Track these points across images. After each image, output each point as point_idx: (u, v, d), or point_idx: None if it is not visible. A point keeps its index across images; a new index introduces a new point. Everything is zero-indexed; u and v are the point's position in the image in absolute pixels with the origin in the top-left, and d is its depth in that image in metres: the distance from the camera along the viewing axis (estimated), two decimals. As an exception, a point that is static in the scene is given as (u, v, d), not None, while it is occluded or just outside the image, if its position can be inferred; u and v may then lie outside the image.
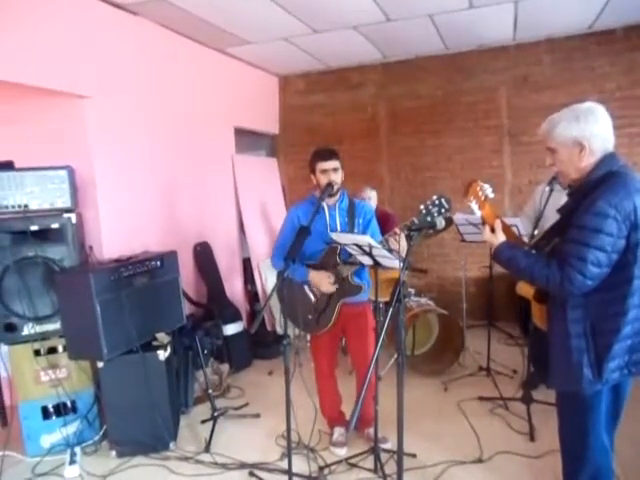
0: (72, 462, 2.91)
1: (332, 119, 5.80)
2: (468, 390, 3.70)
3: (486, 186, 2.35)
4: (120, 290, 2.90)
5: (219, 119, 4.88)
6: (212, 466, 2.87)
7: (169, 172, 4.15)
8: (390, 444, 2.93)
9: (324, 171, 2.82)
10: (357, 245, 2.45)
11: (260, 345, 4.58)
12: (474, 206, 2.18)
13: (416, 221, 2.52)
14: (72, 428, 3.10)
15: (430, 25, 4.29)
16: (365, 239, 2.38)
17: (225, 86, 4.95)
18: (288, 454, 2.43)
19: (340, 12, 3.88)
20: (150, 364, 3.00)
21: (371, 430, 3.08)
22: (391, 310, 2.08)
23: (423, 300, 4.29)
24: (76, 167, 3.15)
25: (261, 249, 5.22)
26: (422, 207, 2.52)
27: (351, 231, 2.86)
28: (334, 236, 2.63)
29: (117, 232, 3.57)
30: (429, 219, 2.48)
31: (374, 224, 2.98)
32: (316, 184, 2.91)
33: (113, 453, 2.99)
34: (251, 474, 2.76)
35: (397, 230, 2.63)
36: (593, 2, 3.99)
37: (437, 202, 2.48)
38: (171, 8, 3.62)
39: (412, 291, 4.38)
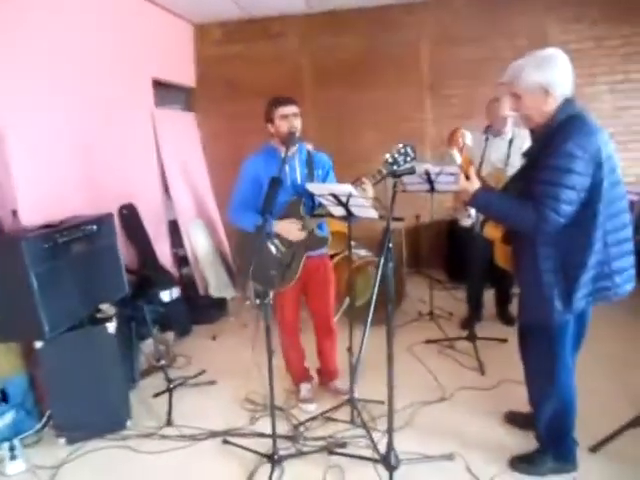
0: (13, 457, 2.55)
1: (252, 71, 5.50)
2: (414, 335, 3.85)
3: (467, 133, 2.40)
4: (57, 259, 2.55)
5: (136, 69, 4.41)
6: (179, 439, 2.69)
7: (86, 128, 3.69)
8: (357, 393, 2.96)
9: (284, 116, 2.66)
10: (333, 195, 2.36)
11: (198, 310, 4.36)
12: (456, 154, 2.21)
13: (383, 170, 2.51)
14: (6, 420, 2.72)
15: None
16: (346, 188, 2.29)
17: (140, 33, 4.48)
18: (272, 415, 2.34)
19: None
20: (98, 338, 2.71)
21: (337, 382, 3.10)
22: (382, 260, 2.07)
23: (362, 252, 4.34)
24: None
25: (187, 210, 4.91)
26: (388, 156, 2.51)
27: (310, 181, 2.75)
28: (310, 187, 2.51)
29: (35, 197, 3.11)
30: (395, 167, 2.48)
31: (332, 175, 2.90)
32: (274, 132, 2.74)
33: (61, 441, 2.67)
34: (225, 442, 2.64)
35: (364, 179, 2.57)
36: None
37: (403, 150, 2.48)
38: None
39: (353, 243, 4.38)
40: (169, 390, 3.06)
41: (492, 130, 3.62)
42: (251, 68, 5.51)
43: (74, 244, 2.70)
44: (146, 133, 4.53)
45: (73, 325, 2.65)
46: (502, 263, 2.47)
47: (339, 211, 2.48)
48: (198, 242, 4.82)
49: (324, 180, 2.82)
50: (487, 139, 3.54)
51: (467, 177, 2.07)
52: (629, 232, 1.98)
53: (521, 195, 2.00)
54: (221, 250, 5.21)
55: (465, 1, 5.01)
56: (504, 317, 4.08)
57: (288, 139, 2.59)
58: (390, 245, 2.06)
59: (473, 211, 3.56)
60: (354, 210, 2.42)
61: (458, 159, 2.15)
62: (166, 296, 3.91)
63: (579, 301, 1.95)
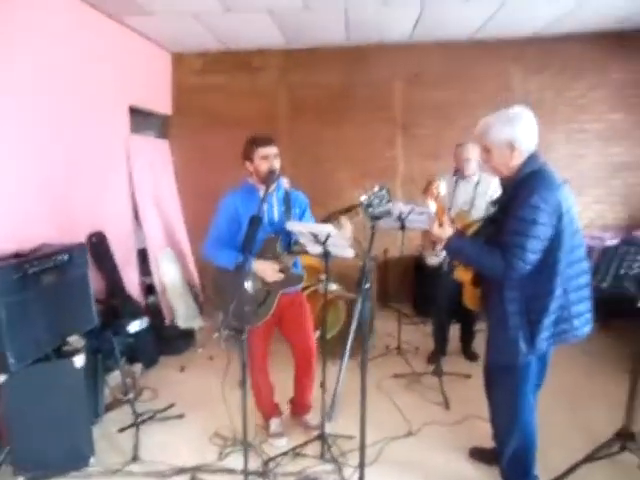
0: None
1: (230, 102, 5.57)
2: (382, 369, 3.91)
3: (442, 184, 2.54)
4: (26, 289, 2.50)
5: (113, 96, 4.39)
6: (146, 476, 2.64)
7: (59, 154, 3.63)
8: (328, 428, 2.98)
9: (265, 157, 2.72)
10: (312, 234, 2.43)
11: (165, 340, 4.30)
12: (431, 204, 2.34)
13: (359, 211, 2.61)
14: (-40, 456, 2.60)
15: (342, 17, 4.35)
16: (325, 228, 2.36)
17: (118, 60, 4.47)
18: (245, 451, 2.33)
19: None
20: (64, 372, 2.64)
21: (308, 417, 3.11)
22: (360, 298, 2.14)
23: (333, 286, 4.40)
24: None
25: (157, 239, 4.87)
26: (364, 198, 2.59)
27: (287, 220, 2.80)
28: (290, 225, 2.57)
29: (4, 223, 3.04)
30: (371, 209, 2.57)
31: (309, 214, 2.97)
32: (253, 171, 2.80)
33: (20, 479, 2.58)
34: (194, 478, 2.60)
35: (342, 220, 2.66)
36: (475, 16, 4.41)
37: (378, 193, 2.57)
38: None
39: (323, 277, 4.45)
40: (135, 424, 2.99)
41: (460, 173, 3.82)
42: (228, 99, 5.58)
43: (45, 274, 2.66)
44: (119, 160, 4.51)
45: (39, 358, 2.58)
46: (470, 304, 2.59)
47: (316, 249, 2.54)
48: (167, 271, 4.79)
49: (301, 218, 2.88)
50: (456, 182, 3.77)
51: (440, 224, 2.19)
52: (587, 279, 2.13)
53: (491, 241, 2.13)
54: (190, 280, 5.18)
55: (437, 47, 5.25)
56: (468, 353, 4.19)
57: (268, 179, 2.64)
58: (367, 286, 2.14)
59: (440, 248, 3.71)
60: (332, 249, 2.49)
61: (433, 208, 2.26)
62: (135, 327, 3.84)
63: (541, 343, 2.08)
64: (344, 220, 2.67)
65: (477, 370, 3.66)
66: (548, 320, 2.05)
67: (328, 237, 2.40)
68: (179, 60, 5.62)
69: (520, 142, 2.06)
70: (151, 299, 4.85)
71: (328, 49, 5.36)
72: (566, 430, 2.97)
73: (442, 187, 2.25)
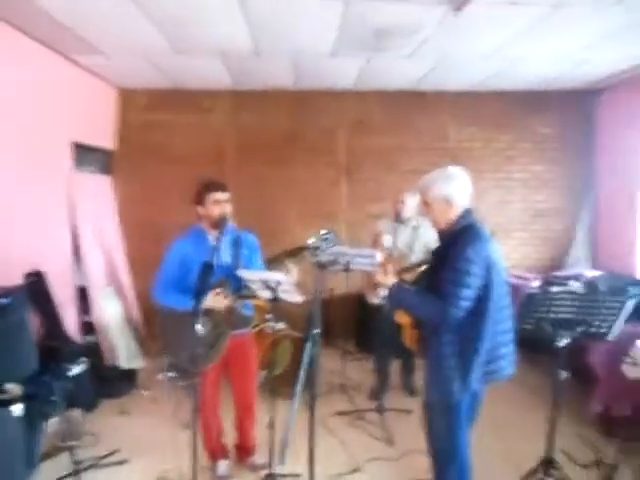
0: None
1: (176, 140, 5.63)
2: (327, 407, 3.99)
3: (388, 238, 2.78)
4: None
5: (55, 131, 4.34)
6: (88, 527, 2.58)
7: (4, 187, 3.56)
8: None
9: (217, 202, 2.82)
10: (263, 281, 2.54)
11: (105, 382, 4.17)
12: (377, 254, 2.55)
13: (307, 255, 2.77)
14: None
15: (290, 64, 4.58)
16: (276, 276, 2.48)
17: (62, 95, 4.44)
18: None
19: (213, 38, 3.87)
20: (1, 422, 2.54)
21: (254, 458, 3.14)
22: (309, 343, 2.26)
23: (279, 324, 4.48)
24: None
25: (98, 276, 4.78)
26: (311, 241, 2.76)
27: (237, 263, 2.89)
28: (242, 273, 2.65)
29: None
30: (318, 252, 2.74)
31: (258, 256, 3.07)
32: (204, 215, 2.88)
33: (-52, 536, 2.44)
34: (138, 527, 2.56)
35: (289, 266, 2.79)
36: (416, 70, 4.78)
37: (325, 237, 2.74)
38: (27, 6, 3.18)
39: (269, 316, 4.52)
40: (76, 473, 2.90)
41: (400, 218, 4.10)
42: (175, 137, 5.64)
43: (-14, 319, 2.59)
44: (60, 196, 4.41)
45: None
46: (409, 344, 2.77)
47: (267, 294, 2.65)
48: (108, 310, 4.69)
49: (250, 260, 2.98)
50: (397, 226, 4.03)
51: (385, 273, 2.37)
52: (511, 324, 2.37)
53: (430, 287, 2.33)
54: (131, 318, 5.09)
55: (380, 97, 5.61)
56: (408, 388, 4.38)
57: (220, 224, 2.74)
58: (316, 331, 2.27)
59: (383, 292, 3.92)
60: (281, 295, 2.60)
61: (379, 258, 2.47)
62: (75, 370, 3.74)
63: (473, 382, 2.27)
64: (291, 265, 2.81)
65: (418, 405, 3.85)
66: (479, 361, 2.25)
67: (278, 284, 2.52)
68: (125, 96, 5.63)
69: (456, 198, 2.30)
70: (89, 338, 4.70)
71: (276, 92, 5.57)
72: (497, 461, 3.18)
73: (388, 240, 2.47)
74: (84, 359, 3.89)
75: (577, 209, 5.69)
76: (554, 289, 4.32)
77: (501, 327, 2.28)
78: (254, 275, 2.61)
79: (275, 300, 2.66)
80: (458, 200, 2.30)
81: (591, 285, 4.24)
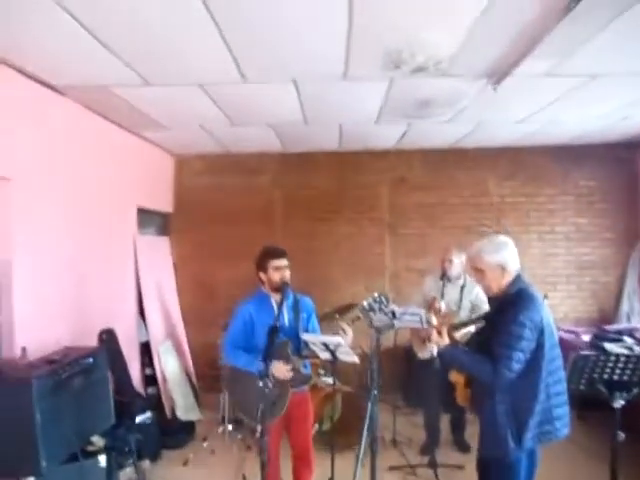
0: None
1: (228, 201, 5.99)
2: (380, 461, 4.00)
3: (442, 303, 2.96)
4: (59, 394, 2.68)
5: (124, 199, 4.77)
6: None
7: (79, 256, 3.92)
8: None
9: (278, 268, 3.06)
10: (323, 343, 2.74)
11: (167, 434, 4.38)
12: (432, 317, 2.72)
13: (360, 315, 2.96)
14: None
15: (336, 130, 4.91)
16: (336, 339, 2.68)
17: (130, 165, 4.90)
18: None
19: (267, 112, 4.22)
20: (91, 472, 2.77)
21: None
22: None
23: (329, 379, 4.60)
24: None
25: (159, 332, 5.08)
26: (365, 303, 2.97)
27: (297, 325, 3.11)
28: (305, 336, 2.86)
29: (28, 324, 3.26)
30: (372, 313, 2.94)
31: (314, 318, 3.28)
32: (266, 280, 3.12)
33: None
34: None
35: (345, 327, 2.97)
36: (455, 132, 5.03)
37: (378, 299, 2.94)
38: (108, 95, 3.63)
39: (322, 372, 4.68)
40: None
41: (446, 276, 4.22)
42: (226, 198, 6.00)
43: (74, 378, 2.85)
44: (128, 258, 4.81)
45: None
46: (463, 403, 2.86)
47: (326, 355, 2.83)
48: (168, 363, 4.95)
49: (308, 322, 3.19)
50: (444, 284, 4.14)
51: (439, 334, 2.52)
52: (564, 386, 2.45)
53: (481, 349, 2.46)
54: (187, 371, 5.33)
55: (420, 155, 5.87)
56: (459, 444, 4.38)
57: (282, 289, 2.97)
58: (375, 392, 2.43)
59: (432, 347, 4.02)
60: (340, 355, 2.78)
61: (434, 321, 2.63)
62: (143, 421, 3.96)
63: (528, 441, 2.35)
64: (346, 327, 2.98)
65: (469, 460, 3.87)
66: (533, 421, 2.33)
67: (338, 346, 2.70)
68: (181, 162, 6.10)
69: (509, 265, 2.45)
70: (150, 391, 4.96)
71: (321, 154, 5.91)
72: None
73: (442, 305, 2.64)
74: (149, 411, 4.14)
75: (624, 261, 5.67)
76: (607, 345, 4.33)
77: (554, 389, 2.37)
78: (316, 338, 2.80)
79: (333, 360, 2.84)
80: (511, 266, 2.44)
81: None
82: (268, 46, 2.85)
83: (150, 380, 4.97)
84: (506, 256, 2.45)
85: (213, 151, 5.84)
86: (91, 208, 4.16)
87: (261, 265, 3.14)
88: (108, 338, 4.17)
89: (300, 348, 3.07)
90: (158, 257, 5.50)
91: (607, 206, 5.75)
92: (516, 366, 2.30)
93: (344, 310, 4.65)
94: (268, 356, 2.54)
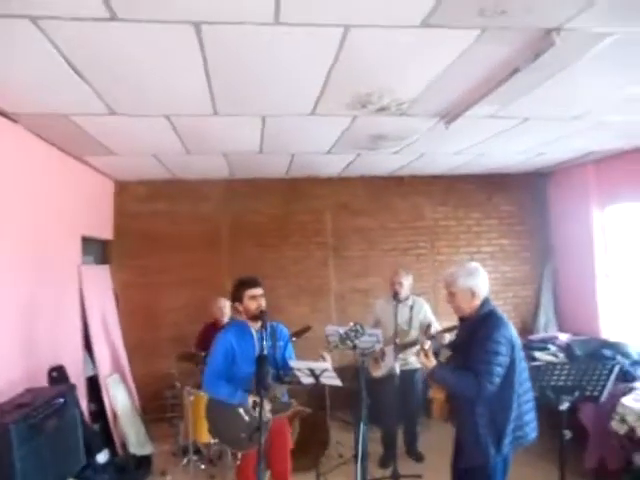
0: None
1: (172, 227, 5.89)
2: (345, 477, 4.19)
3: (435, 325, 3.23)
4: (36, 438, 2.56)
5: (68, 227, 4.57)
6: None
7: (26, 290, 3.71)
8: None
9: (253, 297, 3.14)
10: (310, 369, 2.86)
11: (123, 471, 4.19)
12: (427, 341, 2.95)
13: (339, 344, 3.16)
14: None
15: (287, 160, 5.08)
16: (322, 365, 2.82)
17: (72, 191, 4.69)
18: None
19: (227, 142, 4.29)
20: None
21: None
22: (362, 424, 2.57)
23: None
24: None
25: (106, 365, 4.87)
26: (342, 332, 3.17)
27: (274, 352, 3.20)
28: (293, 363, 2.96)
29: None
30: (348, 342, 3.15)
31: (290, 345, 3.39)
32: (243, 310, 3.19)
33: None
34: None
35: (324, 354, 3.12)
36: (398, 162, 5.41)
37: (354, 328, 3.16)
38: (66, 123, 3.53)
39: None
40: None
41: (397, 297, 4.50)
42: (171, 224, 5.90)
43: (48, 420, 2.74)
44: (72, 289, 4.59)
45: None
46: (438, 417, 3.12)
47: (309, 380, 2.96)
48: (117, 397, 4.76)
49: (285, 349, 3.29)
50: (396, 305, 4.42)
51: (426, 356, 2.75)
52: (531, 394, 2.77)
53: (457, 365, 2.73)
54: (135, 404, 5.15)
55: (361, 183, 6.21)
56: (414, 454, 4.65)
57: (261, 318, 3.06)
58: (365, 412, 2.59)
59: (388, 364, 4.27)
60: (323, 380, 2.92)
61: (427, 345, 2.86)
62: (102, 458, 3.81)
63: (505, 447, 2.64)
64: (325, 354, 3.13)
65: (424, 469, 4.19)
66: (509, 428, 2.62)
67: (324, 371, 2.84)
68: (123, 187, 5.93)
69: (479, 290, 2.74)
70: (96, 427, 4.72)
71: (267, 180, 6.04)
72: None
73: (434, 329, 2.91)
74: (105, 449, 3.99)
75: (539, 277, 6.36)
76: (536, 354, 4.85)
77: (524, 398, 2.68)
78: (303, 364, 2.92)
79: (316, 384, 2.97)
80: (481, 291, 2.74)
81: (569, 350, 4.77)
82: (247, 84, 2.97)
83: (95, 416, 4.74)
84: (477, 282, 2.74)
85: (157, 177, 5.75)
86: (37, 238, 3.96)
87: (236, 295, 3.20)
88: (58, 375, 3.96)
89: (278, 375, 3.17)
90: (100, 287, 5.28)
91: (524, 228, 6.43)
92: (497, 380, 2.57)
93: (299, 333, 4.78)
94: (261, 385, 2.62)
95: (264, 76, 2.84)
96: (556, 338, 5.51)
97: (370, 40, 2.43)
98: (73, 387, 3.11)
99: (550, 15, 2.27)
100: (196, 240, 5.93)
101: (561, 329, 6.05)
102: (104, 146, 4.22)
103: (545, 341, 5.37)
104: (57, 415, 2.83)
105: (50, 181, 4.22)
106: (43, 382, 3.74)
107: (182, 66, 2.65)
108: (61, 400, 2.91)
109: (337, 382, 2.90)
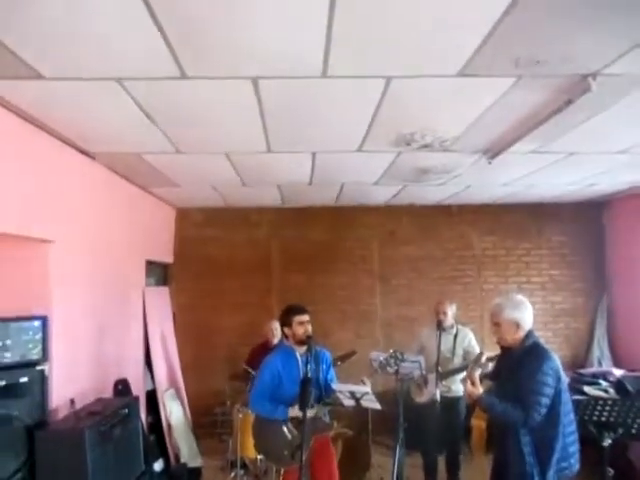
0: None
1: (226, 252, 6.25)
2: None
3: (484, 357, 3.38)
4: (104, 444, 2.86)
5: (135, 252, 5.00)
6: None
7: (99, 311, 4.11)
8: None
9: (301, 323, 3.37)
10: (350, 392, 3.04)
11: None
12: (477, 369, 3.06)
13: (379, 370, 3.31)
14: None
15: (337, 190, 5.33)
16: (363, 389, 2.98)
17: (139, 219, 5.14)
18: None
19: (280, 176, 4.62)
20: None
21: None
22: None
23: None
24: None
25: (164, 380, 5.22)
26: (382, 359, 3.33)
27: (317, 375, 3.40)
28: (335, 386, 3.15)
29: (58, 377, 3.42)
30: (389, 368, 3.30)
31: (332, 369, 3.58)
32: (290, 335, 3.42)
33: None
34: None
35: (364, 379, 3.29)
36: (444, 192, 5.53)
37: (394, 355, 3.31)
38: (137, 160, 3.94)
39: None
40: None
41: (441, 326, 4.59)
42: (225, 249, 6.26)
43: (115, 428, 3.04)
44: (137, 309, 4.99)
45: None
46: (477, 445, 3.20)
47: (350, 402, 3.12)
48: (172, 411, 5.07)
49: (327, 373, 3.49)
50: (440, 334, 4.50)
51: (473, 384, 2.85)
52: (575, 426, 2.80)
53: (500, 394, 2.82)
54: (187, 418, 5.45)
55: (408, 212, 6.35)
56: (456, 483, 4.66)
57: (307, 343, 3.27)
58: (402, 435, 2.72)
59: (430, 390, 4.35)
60: (364, 403, 3.08)
61: (477, 373, 2.97)
62: (158, 466, 4.10)
63: (551, 478, 2.68)
64: (366, 379, 3.29)
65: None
66: (555, 458, 2.67)
67: (365, 394, 3.01)
68: (183, 214, 6.37)
69: (524, 322, 2.83)
70: (152, 438, 5.05)
71: (315, 208, 6.31)
72: None
73: (484, 358, 3.05)
74: (160, 458, 4.27)
75: (593, 309, 6.22)
76: (585, 388, 4.76)
77: (568, 429, 2.72)
78: (345, 387, 3.09)
79: (357, 407, 3.13)
80: (525, 324, 2.83)
81: (620, 386, 4.66)
82: (297, 127, 3.26)
83: (151, 427, 5.06)
84: (523, 315, 2.83)
85: (214, 204, 6.15)
86: (110, 264, 4.38)
87: (285, 321, 3.43)
88: (123, 388, 4.32)
89: (321, 396, 3.35)
90: (161, 307, 5.68)
91: (577, 259, 6.33)
92: (543, 410, 2.64)
93: (345, 358, 4.94)
94: (303, 404, 2.81)
95: (314, 119, 3.10)
96: (610, 373, 5.35)
97: (410, 88, 2.64)
98: (137, 399, 3.41)
99: (587, 62, 2.38)
100: (248, 265, 6.24)
101: (616, 364, 5.87)
102: (169, 179, 4.62)
103: (596, 376, 5.23)
104: (122, 424, 3.14)
105: (120, 210, 4.66)
106: (109, 393, 4.11)
107: (241, 113, 2.95)
108: (126, 410, 3.21)
109: (376, 405, 3.04)
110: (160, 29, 2.02)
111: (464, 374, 3.34)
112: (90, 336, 3.93)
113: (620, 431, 3.05)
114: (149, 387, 5.11)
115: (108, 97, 2.68)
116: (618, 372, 5.38)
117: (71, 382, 3.49)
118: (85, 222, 3.87)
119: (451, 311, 4.64)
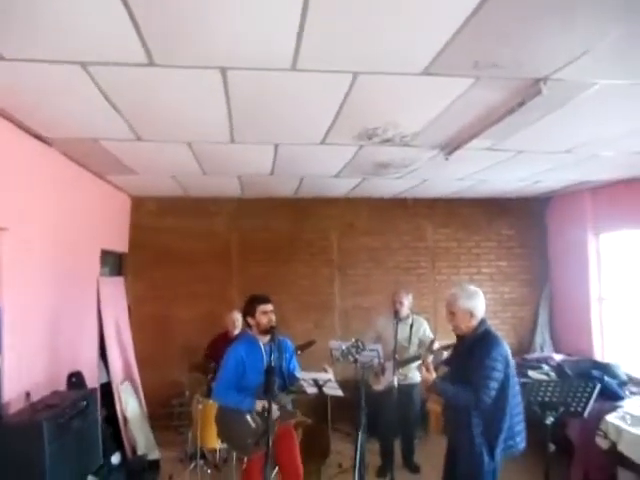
0: None
1: (184, 242, 6.17)
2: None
3: (437, 343, 3.52)
4: (63, 436, 2.81)
5: (90, 241, 4.87)
6: None
7: (53, 301, 3.99)
8: None
9: (265, 312, 3.42)
10: (314, 379, 3.11)
11: (133, 473, 4.42)
12: (430, 356, 3.20)
13: (341, 358, 3.41)
14: None
15: (297, 181, 5.38)
16: (326, 376, 3.07)
17: (95, 208, 5.01)
18: None
19: (241, 166, 4.61)
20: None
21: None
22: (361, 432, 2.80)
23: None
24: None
25: (119, 372, 5.12)
26: (344, 347, 3.43)
27: (281, 364, 3.46)
28: (299, 374, 3.22)
29: (11, 369, 3.31)
30: (350, 357, 3.41)
31: (294, 358, 3.65)
32: (254, 324, 3.46)
33: None
34: None
35: (326, 367, 3.38)
36: (402, 185, 5.68)
37: (355, 344, 3.43)
38: (95, 146, 3.84)
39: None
40: None
41: (397, 316, 4.74)
42: (182, 239, 6.18)
43: (73, 420, 2.99)
44: (91, 300, 4.86)
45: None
46: (435, 428, 3.36)
47: (313, 390, 3.21)
48: (128, 403, 5.00)
49: (290, 361, 3.56)
50: (397, 323, 4.66)
51: (428, 370, 2.99)
52: (521, 406, 3.01)
53: (454, 379, 2.99)
54: (143, 410, 5.38)
55: (367, 204, 6.49)
56: (410, 466, 4.85)
57: (271, 332, 3.32)
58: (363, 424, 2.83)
59: (388, 378, 4.50)
60: (326, 390, 3.17)
61: (429, 359, 3.11)
62: (115, 459, 4.05)
63: (498, 455, 2.88)
64: (327, 367, 3.39)
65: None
66: (501, 437, 2.86)
67: (327, 382, 3.09)
68: (139, 203, 6.23)
69: (477, 311, 3.00)
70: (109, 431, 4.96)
71: (276, 199, 6.33)
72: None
73: (436, 345, 3.19)
74: (117, 452, 4.22)
75: (537, 299, 6.59)
76: (530, 372, 5.07)
77: (515, 410, 2.92)
78: (308, 375, 3.17)
79: (319, 394, 3.22)
80: (479, 313, 3.00)
81: (560, 370, 4.99)
82: (264, 118, 3.28)
83: (106, 420, 4.97)
84: (476, 304, 3.00)
85: (171, 194, 6.04)
86: (65, 253, 4.25)
87: (249, 310, 3.47)
88: (77, 381, 4.22)
89: (285, 385, 3.42)
90: (115, 297, 5.55)
91: (523, 251, 6.68)
92: (492, 393, 2.83)
93: (304, 347, 5.01)
94: (269, 394, 2.87)
95: (279, 111, 3.13)
96: (551, 358, 5.72)
97: (376, 85, 2.71)
98: (94, 391, 3.36)
99: (539, 67, 2.54)
100: (207, 255, 6.20)
101: (556, 350, 6.26)
102: (126, 166, 4.52)
103: (539, 360, 5.58)
104: (81, 416, 3.08)
105: (75, 198, 4.51)
106: (63, 386, 4.01)
107: (207, 103, 2.94)
108: (84, 403, 3.16)
109: (339, 392, 3.14)
110: (130, 14, 1.99)
111: (420, 362, 3.52)
112: (43, 327, 3.81)
113: (561, 409, 3.28)
114: (103, 380, 5.01)
115: (70, 81, 2.61)
116: (558, 357, 5.76)
117: (24, 375, 3.38)
118: (39, 209, 3.75)
119: (407, 301, 4.81)
